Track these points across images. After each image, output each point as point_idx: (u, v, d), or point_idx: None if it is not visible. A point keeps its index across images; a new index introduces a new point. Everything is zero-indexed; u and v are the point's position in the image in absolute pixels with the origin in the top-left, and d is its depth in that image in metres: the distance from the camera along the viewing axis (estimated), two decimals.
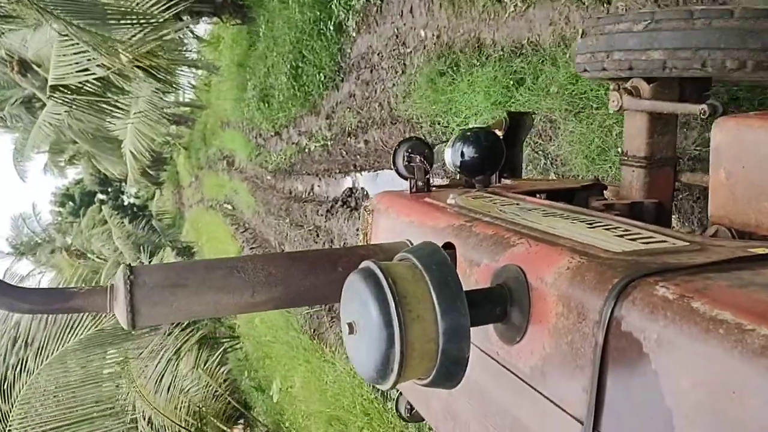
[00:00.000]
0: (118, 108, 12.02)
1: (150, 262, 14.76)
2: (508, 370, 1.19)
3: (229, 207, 17.81)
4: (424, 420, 1.88)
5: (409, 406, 2.08)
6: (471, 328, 1.03)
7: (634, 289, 0.91)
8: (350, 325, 1.08)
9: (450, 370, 1.04)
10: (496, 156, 2.04)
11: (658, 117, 1.94)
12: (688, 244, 1.09)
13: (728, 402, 0.72)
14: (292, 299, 1.37)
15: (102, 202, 38.92)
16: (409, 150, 2.01)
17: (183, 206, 30.90)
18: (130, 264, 1.29)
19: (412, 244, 1.57)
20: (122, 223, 22.45)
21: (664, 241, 1.13)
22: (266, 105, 11.13)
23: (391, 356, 1.01)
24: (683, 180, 2.09)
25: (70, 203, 43.05)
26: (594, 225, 1.29)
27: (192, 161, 26.45)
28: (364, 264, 1.10)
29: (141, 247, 18.30)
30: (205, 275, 1.30)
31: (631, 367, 0.88)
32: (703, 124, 2.66)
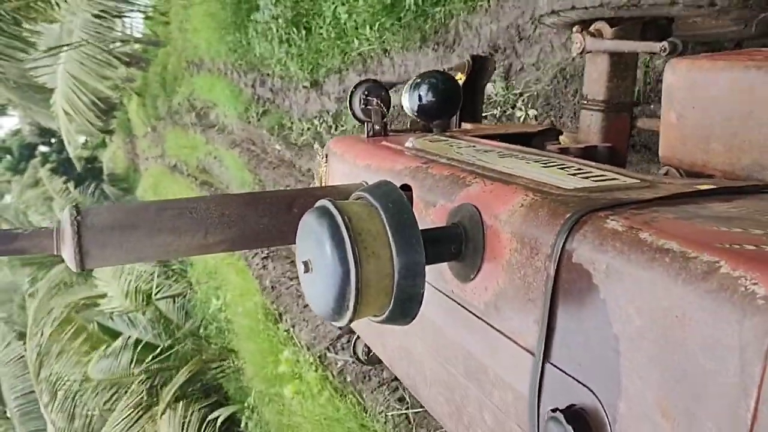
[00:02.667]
0: (32, 43, 10.37)
1: None
2: (463, 306, 1.21)
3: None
4: (381, 362, 1.91)
5: (366, 349, 2.12)
6: (426, 267, 1.04)
7: (585, 223, 0.93)
8: (305, 264, 1.08)
9: (405, 307, 1.04)
10: (453, 100, 2.03)
11: (619, 60, 1.96)
12: (638, 181, 1.11)
13: (672, 325, 0.74)
14: (246, 241, 1.35)
15: (44, 155, 34.03)
16: (366, 93, 1.98)
17: (137, 158, 26.26)
18: (76, 204, 1.25)
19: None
20: (66, 188, 19.17)
21: (615, 179, 1.15)
22: (302, 33, 6.86)
23: (346, 293, 1.01)
24: (639, 125, 2.12)
25: (8, 157, 38.36)
26: (548, 164, 1.31)
27: (147, 110, 21.86)
28: (319, 202, 1.09)
29: None
30: (156, 216, 1.27)
31: (580, 298, 0.90)
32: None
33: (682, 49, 1.64)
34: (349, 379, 5.20)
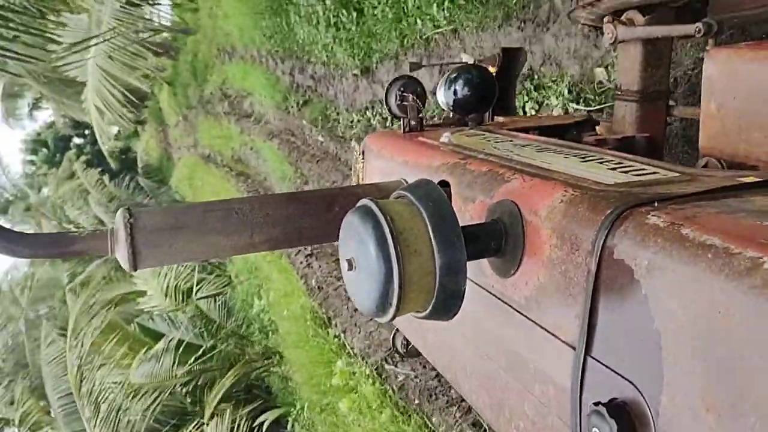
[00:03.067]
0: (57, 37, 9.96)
1: None
2: (503, 301, 1.23)
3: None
4: (420, 355, 1.94)
5: (405, 342, 2.14)
6: (467, 263, 1.06)
7: (626, 219, 0.93)
8: (349, 262, 1.11)
9: (447, 303, 1.07)
10: (488, 94, 2.04)
11: (653, 48, 1.93)
12: (678, 174, 1.11)
13: (714, 321, 0.75)
14: (290, 239, 1.39)
15: (79, 147, 33.43)
16: (402, 89, 2.00)
17: (170, 146, 25.56)
18: (129, 207, 1.30)
19: (407, 183, 1.58)
20: (101, 181, 17.93)
21: (656, 173, 1.15)
22: (353, 15, 6.15)
23: (390, 290, 1.03)
24: (675, 114, 2.10)
25: (44, 150, 37.50)
26: (587, 159, 1.31)
27: (179, 99, 21.19)
28: (361, 202, 1.11)
29: None
30: (203, 217, 1.31)
31: (622, 293, 0.91)
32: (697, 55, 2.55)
33: (717, 30, 1.61)
34: (412, 397, 4.63)
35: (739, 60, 1.30)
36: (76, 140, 35.42)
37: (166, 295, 9.90)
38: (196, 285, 10.20)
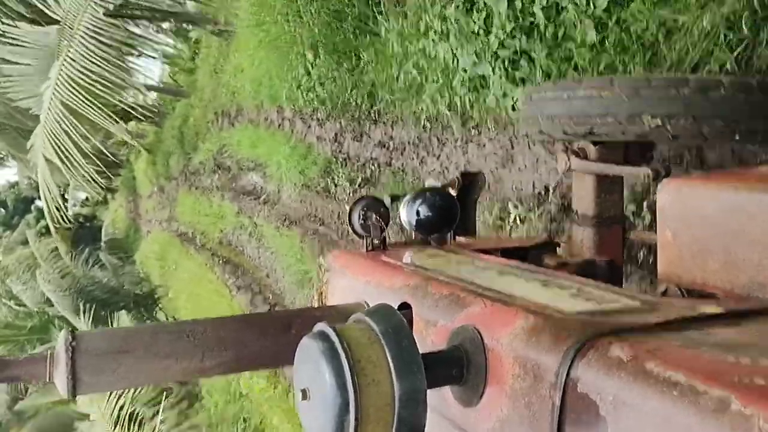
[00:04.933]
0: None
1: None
2: None
3: None
4: None
5: None
6: (428, 392, 1.02)
7: (589, 350, 0.91)
8: (303, 392, 1.05)
9: None
10: (451, 215, 2.07)
11: (605, 177, 2.01)
12: (639, 303, 1.11)
13: None
14: (243, 363, 1.33)
15: (40, 212, 27.63)
16: (365, 209, 2.02)
17: (139, 218, 23.33)
18: (72, 329, 1.23)
19: (368, 305, 1.55)
20: (55, 253, 14.71)
21: (617, 301, 1.14)
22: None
23: (345, 423, 0.98)
24: (632, 238, 2.15)
25: (2, 210, 34.73)
26: (548, 284, 1.31)
27: (157, 168, 18.78)
28: (318, 326, 1.07)
29: (81, 301, 11.94)
30: (151, 340, 1.25)
31: (588, 430, 0.87)
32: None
33: (665, 174, 1.70)
34: None
35: (690, 190, 1.34)
36: (39, 203, 32.24)
37: (116, 425, 7.46)
38: (161, 418, 7.84)
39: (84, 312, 10.92)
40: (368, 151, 6.18)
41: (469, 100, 4.17)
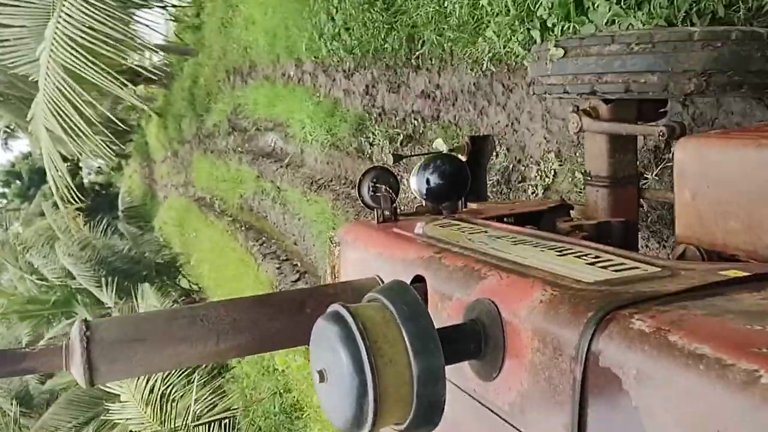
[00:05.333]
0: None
1: (120, 301, 10.07)
2: (486, 407, 1.16)
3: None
4: None
5: None
6: (446, 368, 1.00)
7: (610, 323, 0.89)
8: (320, 373, 1.04)
9: (427, 414, 1.00)
10: (461, 181, 2.04)
11: (618, 137, 1.96)
12: (659, 269, 1.08)
13: None
14: (259, 345, 1.32)
15: (55, 183, 29.16)
16: (375, 180, 1.99)
17: (155, 183, 22.30)
18: (86, 319, 1.23)
19: (382, 280, 1.54)
20: (74, 223, 13.92)
21: (636, 267, 1.11)
22: None
23: (364, 404, 0.97)
24: (647, 196, 2.10)
25: (17, 182, 33.49)
26: (564, 252, 1.28)
27: (169, 132, 17.87)
28: (332, 308, 1.06)
29: (102, 273, 11.31)
30: (166, 326, 1.24)
31: (611, 404, 0.86)
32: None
33: (680, 132, 1.64)
34: None
35: (708, 148, 1.30)
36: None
37: (147, 404, 6.90)
38: (194, 398, 7.14)
39: (106, 285, 10.50)
40: (408, 103, 5.35)
41: (555, 30, 3.16)
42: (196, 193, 14.77)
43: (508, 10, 3.53)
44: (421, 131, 5.18)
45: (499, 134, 3.99)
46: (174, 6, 13.10)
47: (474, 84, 4.38)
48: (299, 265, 7.75)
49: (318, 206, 6.99)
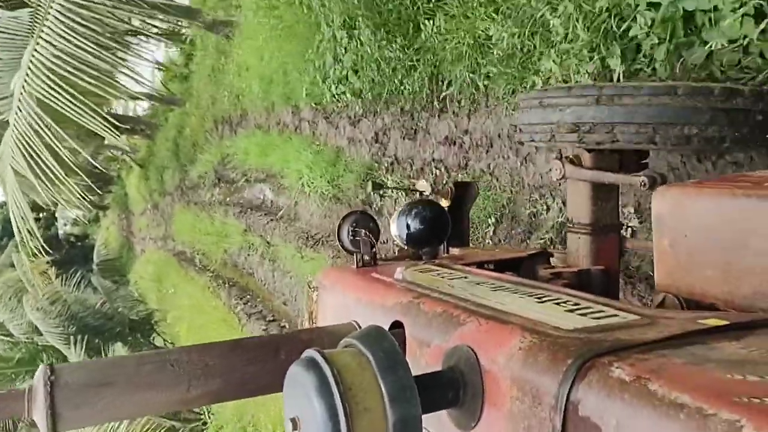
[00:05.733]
0: None
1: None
2: None
3: None
4: None
5: None
6: (423, 416, 0.97)
7: (589, 371, 0.87)
8: (293, 421, 1.00)
9: None
10: (441, 227, 2.03)
11: (601, 185, 1.97)
12: (638, 317, 1.07)
13: None
14: (232, 391, 1.28)
15: (30, 232, 28.00)
16: (354, 224, 1.98)
17: (132, 236, 21.99)
18: (51, 363, 1.18)
19: (359, 325, 1.51)
20: (45, 276, 12.98)
21: (615, 315, 1.10)
22: None
23: None
24: (629, 246, 2.11)
25: None
26: (543, 299, 1.27)
27: (150, 184, 17.47)
28: (306, 353, 1.03)
29: (72, 329, 10.71)
30: (134, 371, 1.20)
31: None
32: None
33: (661, 182, 1.67)
34: None
35: (686, 198, 1.31)
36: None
37: None
38: None
39: (75, 342, 9.82)
40: (428, 151, 4.80)
41: (647, 55, 2.61)
42: (175, 246, 14.28)
43: (577, 35, 2.92)
44: (444, 183, 4.31)
45: (552, 186, 3.49)
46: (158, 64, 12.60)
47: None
48: (287, 326, 7.28)
49: (315, 263, 6.49)
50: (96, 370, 1.20)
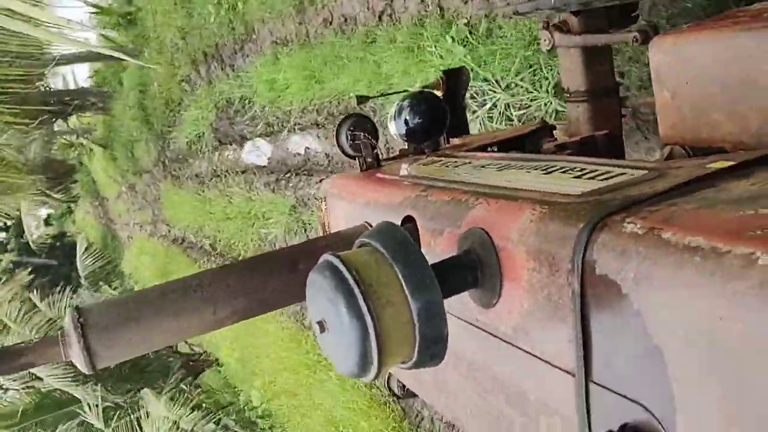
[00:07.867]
0: None
1: None
2: (491, 333, 1.16)
3: None
4: (417, 396, 1.85)
5: (401, 384, 2.06)
6: (445, 301, 0.99)
7: (602, 230, 0.87)
8: (320, 324, 1.03)
9: (431, 350, 0.99)
10: (439, 118, 1.99)
11: (592, 48, 1.91)
12: (646, 172, 1.06)
13: (718, 329, 0.69)
14: (257, 307, 1.31)
15: (2, 244, 23.97)
16: (352, 128, 1.94)
17: (112, 222, 19.47)
18: (77, 306, 1.21)
19: (371, 226, 1.52)
20: (28, 301, 9.87)
21: (623, 173, 1.09)
22: None
23: (368, 348, 0.96)
24: (629, 105, 2.07)
25: None
26: (549, 170, 1.26)
27: (120, 164, 14.82)
28: (323, 258, 1.04)
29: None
30: (159, 302, 1.23)
31: (613, 311, 0.85)
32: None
33: (655, 34, 1.60)
34: None
35: (683, 44, 1.26)
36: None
37: None
38: None
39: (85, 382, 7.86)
40: None
41: None
42: (169, 230, 11.93)
43: None
44: None
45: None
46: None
47: None
48: None
49: None
50: (121, 306, 1.23)
